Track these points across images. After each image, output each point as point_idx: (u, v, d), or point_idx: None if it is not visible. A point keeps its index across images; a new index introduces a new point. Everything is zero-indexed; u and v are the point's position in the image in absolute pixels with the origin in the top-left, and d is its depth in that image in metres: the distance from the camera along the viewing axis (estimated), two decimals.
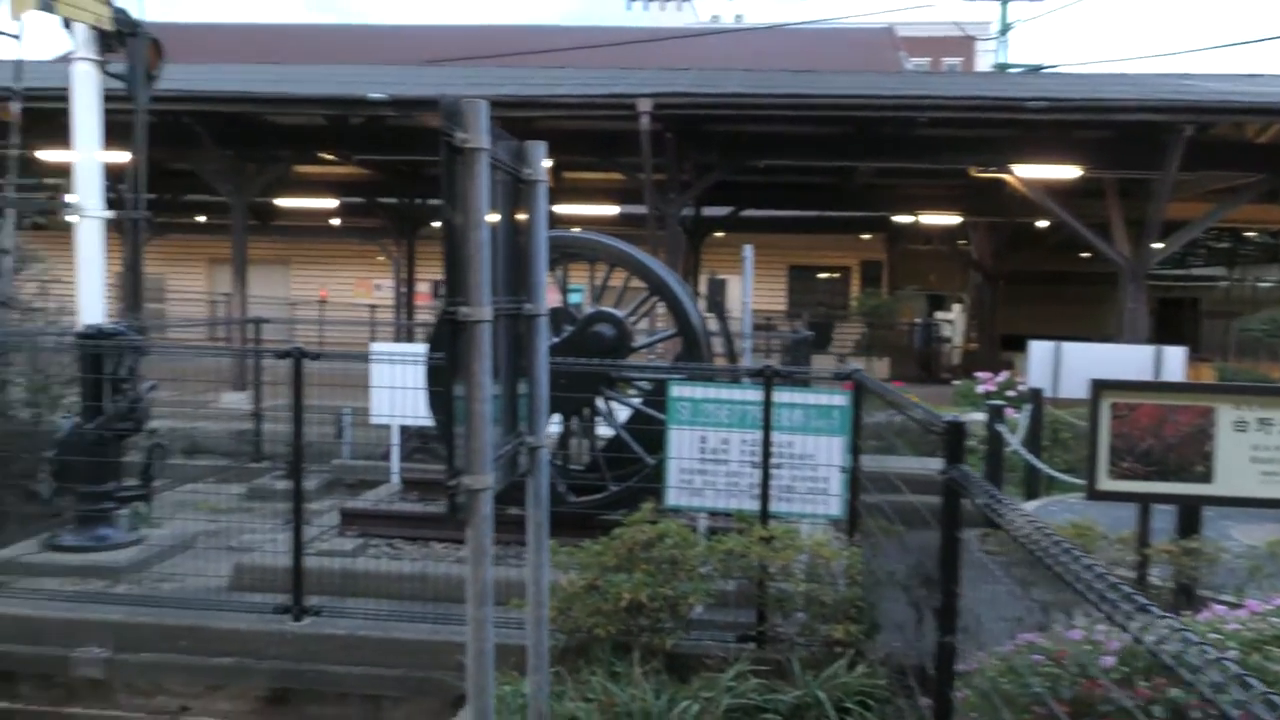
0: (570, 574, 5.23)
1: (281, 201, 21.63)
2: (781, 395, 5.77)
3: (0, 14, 7.43)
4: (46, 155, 12.09)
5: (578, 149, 15.17)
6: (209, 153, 15.08)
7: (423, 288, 24.54)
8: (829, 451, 5.77)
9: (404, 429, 9.05)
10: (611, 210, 19.86)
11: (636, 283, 8.01)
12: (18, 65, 7.78)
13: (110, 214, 7.57)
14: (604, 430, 7.72)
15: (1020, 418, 9.61)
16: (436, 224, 21.97)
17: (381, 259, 24.80)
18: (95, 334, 7.21)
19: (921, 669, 4.31)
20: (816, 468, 5.79)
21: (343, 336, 21.40)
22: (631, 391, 8.07)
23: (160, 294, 23.88)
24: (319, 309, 24.52)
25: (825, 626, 5.20)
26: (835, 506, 5.83)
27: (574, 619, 5.09)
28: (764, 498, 5.68)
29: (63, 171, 7.75)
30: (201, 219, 22.94)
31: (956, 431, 3.36)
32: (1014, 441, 8.71)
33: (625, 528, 5.34)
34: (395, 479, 8.88)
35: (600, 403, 7.59)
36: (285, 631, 5.85)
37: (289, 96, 14.33)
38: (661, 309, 8.24)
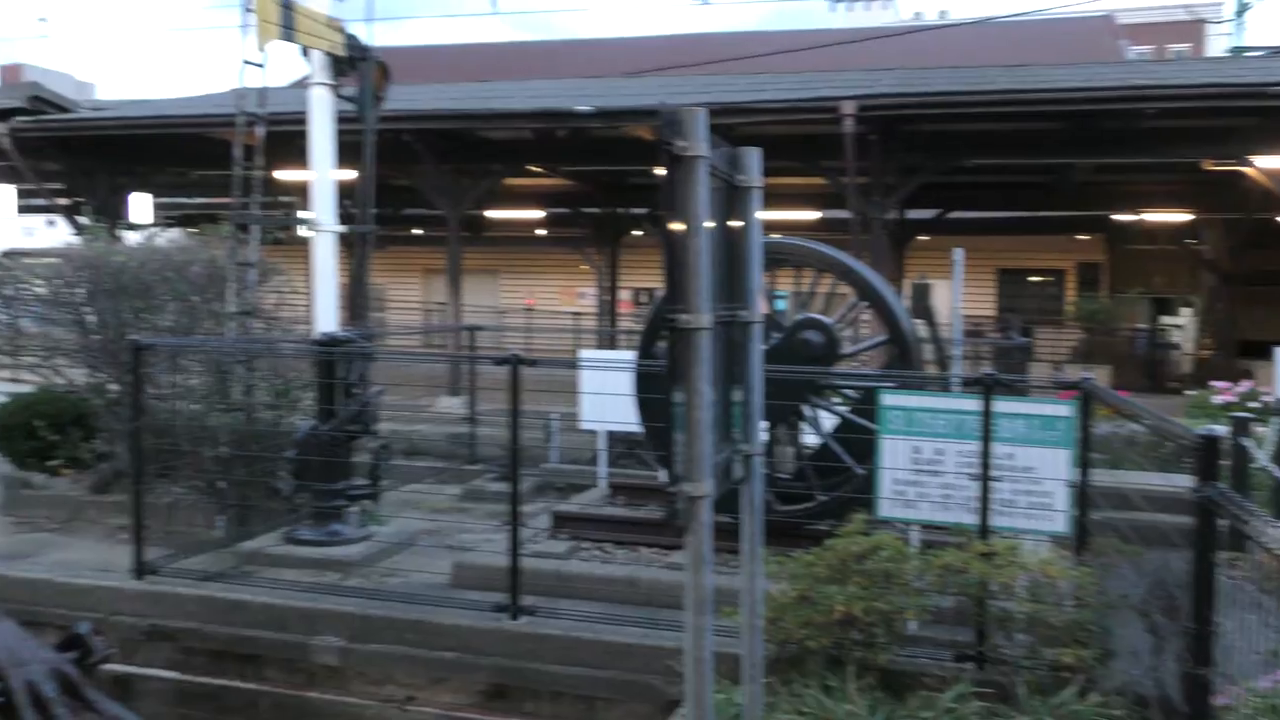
0: (781, 584, 5.16)
1: (491, 213, 22.52)
2: (1000, 405, 5.51)
3: (248, 44, 8.07)
4: (282, 175, 13.02)
5: (780, 154, 14.94)
6: (427, 168, 15.89)
7: (624, 295, 25.00)
8: (1053, 464, 5.48)
9: (611, 434, 9.19)
10: (813, 215, 19.62)
11: (842, 289, 7.85)
12: (261, 92, 8.39)
13: (343, 229, 8.07)
14: (811, 438, 7.60)
15: (1268, 432, 8.83)
16: (638, 232, 22.35)
17: (585, 268, 25.40)
18: (329, 341, 7.70)
19: (1165, 701, 4.01)
20: (1039, 481, 5.50)
21: (548, 343, 22.06)
22: (837, 399, 7.92)
23: (381, 303, 25.30)
24: (526, 316, 25.38)
25: (1052, 650, 4.92)
26: (1061, 522, 5.52)
27: (785, 630, 5.02)
28: (983, 512, 5.44)
29: (296, 190, 8.31)
30: (418, 231, 24.15)
31: (1211, 446, 3.11)
32: (1262, 458, 8.01)
33: (838, 539, 5.23)
34: (603, 483, 9.04)
35: (807, 410, 7.48)
36: (503, 629, 6.05)
37: (502, 112, 14.93)
38: (867, 315, 8.05)
